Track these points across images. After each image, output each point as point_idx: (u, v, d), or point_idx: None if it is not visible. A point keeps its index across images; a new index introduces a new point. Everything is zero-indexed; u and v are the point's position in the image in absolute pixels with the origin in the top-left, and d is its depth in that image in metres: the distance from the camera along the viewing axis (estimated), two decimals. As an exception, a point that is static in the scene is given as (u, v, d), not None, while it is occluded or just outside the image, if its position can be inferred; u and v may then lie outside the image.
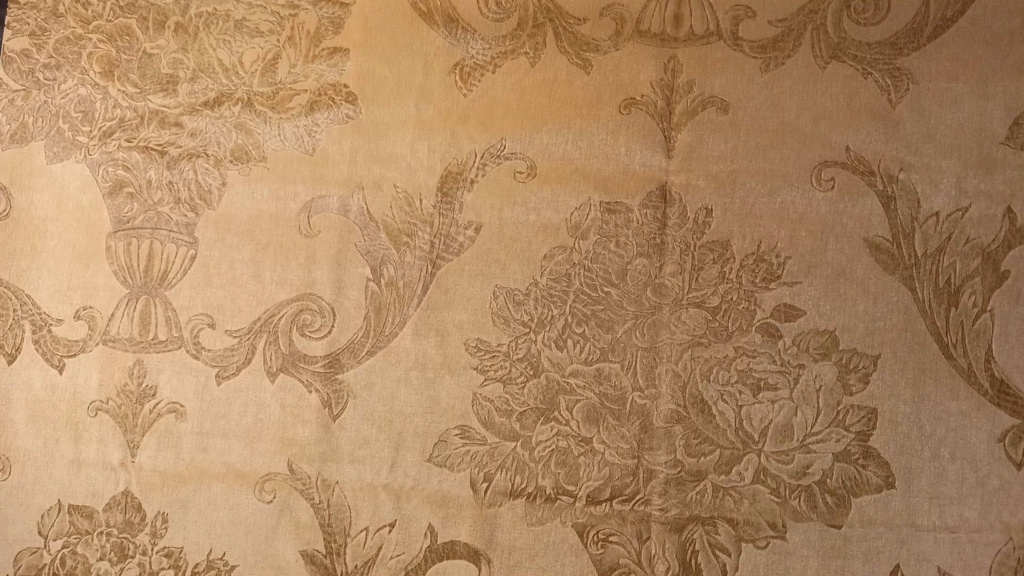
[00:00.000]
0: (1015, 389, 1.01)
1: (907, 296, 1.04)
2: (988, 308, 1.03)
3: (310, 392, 1.15)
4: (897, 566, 1.01)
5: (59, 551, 1.18)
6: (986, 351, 1.02)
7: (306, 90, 1.21)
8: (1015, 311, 1.02)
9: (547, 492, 1.08)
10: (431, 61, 1.18)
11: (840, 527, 1.02)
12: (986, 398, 1.01)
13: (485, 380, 1.11)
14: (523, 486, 1.09)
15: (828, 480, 1.03)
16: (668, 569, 1.05)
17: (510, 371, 1.11)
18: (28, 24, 1.28)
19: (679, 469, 1.06)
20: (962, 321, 1.03)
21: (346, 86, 1.20)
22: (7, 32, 1.29)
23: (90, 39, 1.27)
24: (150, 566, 1.16)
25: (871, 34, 1.09)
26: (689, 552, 1.05)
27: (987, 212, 1.04)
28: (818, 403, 1.04)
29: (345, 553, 1.12)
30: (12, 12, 1.29)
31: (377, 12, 1.21)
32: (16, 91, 1.27)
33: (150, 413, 1.18)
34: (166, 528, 1.16)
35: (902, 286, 1.05)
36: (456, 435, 1.11)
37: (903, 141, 1.07)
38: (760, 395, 1.05)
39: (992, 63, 1.06)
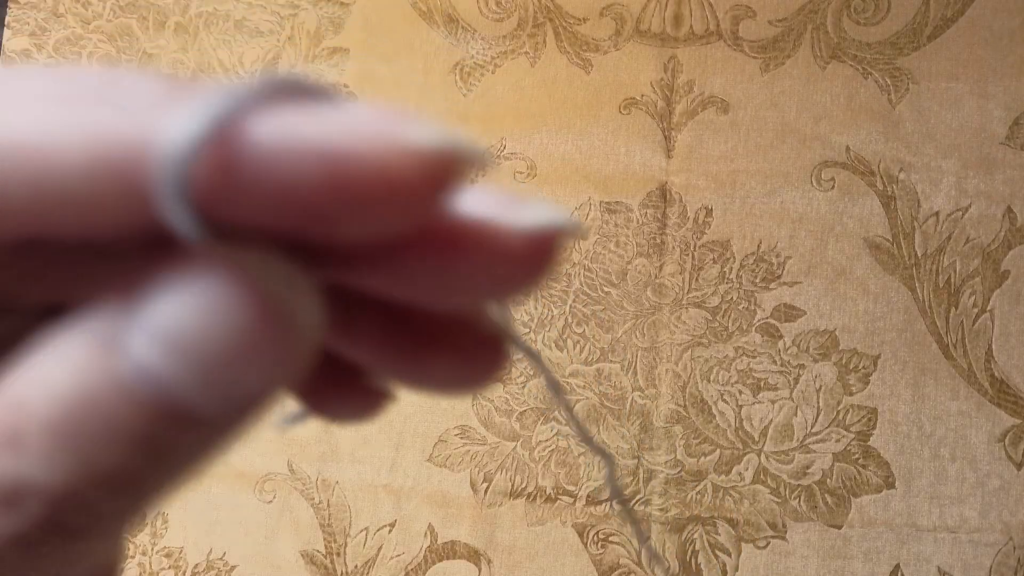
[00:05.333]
0: (1015, 389, 1.01)
1: (907, 296, 1.04)
2: (988, 308, 1.03)
3: (310, 392, 1.15)
4: (897, 566, 1.01)
5: (59, 551, 1.18)
6: (986, 351, 1.02)
7: (306, 90, 1.21)
8: (1015, 311, 1.02)
9: (547, 492, 1.08)
10: (431, 61, 1.18)
11: (840, 527, 1.02)
12: (986, 398, 1.01)
13: (485, 380, 1.11)
14: (523, 486, 1.09)
15: (828, 480, 1.03)
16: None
17: (510, 371, 1.11)
18: (28, 24, 1.28)
19: (679, 469, 1.06)
20: (962, 321, 1.03)
21: (346, 86, 1.20)
22: (7, 32, 1.29)
23: (90, 39, 1.27)
24: (150, 566, 1.16)
25: (871, 34, 1.09)
26: (689, 552, 1.05)
27: (987, 212, 1.04)
28: (818, 403, 1.04)
29: (345, 553, 1.12)
30: (12, 12, 1.29)
31: (377, 12, 1.21)
32: (16, 91, 1.27)
33: (150, 413, 1.18)
34: (166, 528, 1.16)
35: (902, 286, 1.05)
36: (456, 435, 1.11)
37: (903, 141, 1.07)
38: (760, 395, 1.05)
39: (992, 63, 1.06)
